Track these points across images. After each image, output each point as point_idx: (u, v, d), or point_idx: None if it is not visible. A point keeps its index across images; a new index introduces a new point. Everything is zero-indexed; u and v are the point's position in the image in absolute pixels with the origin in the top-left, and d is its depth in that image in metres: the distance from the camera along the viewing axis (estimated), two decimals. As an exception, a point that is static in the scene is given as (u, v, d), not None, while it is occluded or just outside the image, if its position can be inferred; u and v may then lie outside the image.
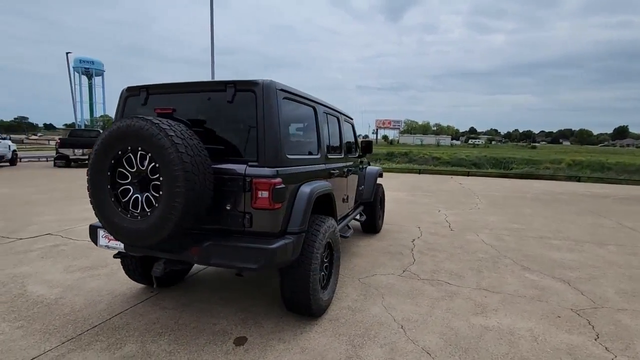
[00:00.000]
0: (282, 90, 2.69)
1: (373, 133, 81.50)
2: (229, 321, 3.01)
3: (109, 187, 2.40)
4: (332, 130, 3.95)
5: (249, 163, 2.51)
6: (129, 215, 2.36)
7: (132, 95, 2.94)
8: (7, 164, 18.53)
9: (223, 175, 2.51)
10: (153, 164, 2.26)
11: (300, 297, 2.82)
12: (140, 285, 3.64)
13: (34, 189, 9.72)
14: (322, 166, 3.39)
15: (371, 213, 5.64)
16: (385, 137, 77.76)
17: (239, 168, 2.50)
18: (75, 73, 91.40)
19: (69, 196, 8.70)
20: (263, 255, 2.41)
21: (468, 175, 17.63)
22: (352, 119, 4.93)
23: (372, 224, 5.74)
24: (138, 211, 2.35)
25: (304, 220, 2.71)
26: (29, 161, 20.65)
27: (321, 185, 3.05)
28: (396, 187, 12.12)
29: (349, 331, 2.87)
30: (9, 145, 18.57)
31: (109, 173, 2.39)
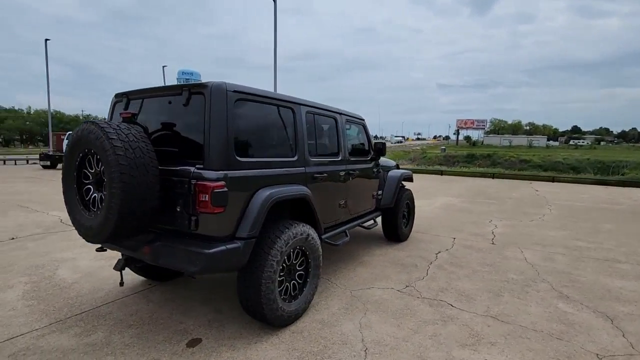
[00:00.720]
0: (236, 92, 2.63)
1: (454, 134, 76.41)
2: (195, 321, 3.05)
3: (75, 186, 2.62)
4: (323, 132, 3.76)
5: (197, 166, 2.51)
6: (86, 213, 2.55)
7: (119, 101, 3.18)
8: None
9: (173, 177, 2.55)
10: (101, 165, 2.40)
11: (252, 304, 2.73)
12: (142, 278, 3.92)
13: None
14: (301, 169, 3.24)
15: (392, 220, 5.25)
16: (467, 138, 72.27)
17: (187, 170, 2.52)
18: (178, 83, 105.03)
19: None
20: (200, 259, 2.39)
21: (553, 181, 15.40)
22: (362, 119, 4.64)
23: (393, 232, 5.34)
24: (95, 209, 2.52)
25: (255, 225, 2.61)
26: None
27: (287, 190, 2.91)
28: (457, 193, 11.17)
29: (306, 347, 2.69)
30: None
31: (75, 174, 2.61)
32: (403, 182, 5.94)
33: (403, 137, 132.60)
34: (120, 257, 2.95)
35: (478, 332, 2.95)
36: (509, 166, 27.67)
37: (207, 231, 2.48)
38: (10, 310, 3.21)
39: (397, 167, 5.99)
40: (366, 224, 4.66)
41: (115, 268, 2.87)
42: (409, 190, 5.70)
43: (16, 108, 70.51)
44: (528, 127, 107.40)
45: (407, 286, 3.85)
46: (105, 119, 3.40)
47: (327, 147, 3.80)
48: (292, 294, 3.05)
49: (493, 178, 16.78)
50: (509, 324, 3.08)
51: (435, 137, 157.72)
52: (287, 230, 2.87)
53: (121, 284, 3.03)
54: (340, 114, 4.05)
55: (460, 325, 3.04)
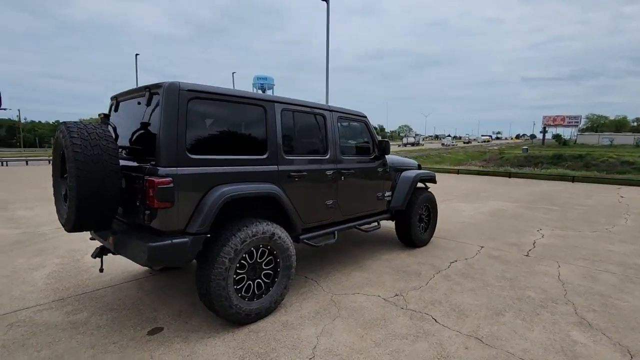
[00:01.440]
0: (190, 91, 2.69)
1: (541, 132, 68.51)
2: (168, 311, 3.20)
3: (59, 181, 2.93)
4: (306, 130, 3.66)
5: (151, 162, 2.63)
6: (65, 204, 2.83)
7: (112, 103, 3.47)
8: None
9: (133, 172, 2.71)
10: (69, 161, 2.64)
11: (204, 299, 2.77)
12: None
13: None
14: (273, 167, 3.19)
15: (405, 224, 4.90)
16: (557, 137, 64.17)
17: (143, 167, 2.65)
18: (254, 88, 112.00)
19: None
20: (145, 251, 2.49)
21: (650, 187, 12.94)
22: (362, 116, 4.39)
23: (406, 236, 4.99)
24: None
25: (204, 222, 2.64)
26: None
27: (244, 187, 2.90)
28: (516, 197, 10.04)
29: (253, 347, 2.64)
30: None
31: (59, 169, 2.92)
32: (426, 184, 5.55)
33: (454, 137, 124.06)
34: (98, 245, 3.22)
35: (449, 354, 2.60)
36: (607, 168, 24.01)
37: (158, 225, 2.58)
38: (31, 287, 3.72)
39: (419, 167, 5.58)
40: (364, 227, 4.42)
41: (92, 255, 3.15)
42: (429, 192, 5.27)
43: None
44: (636, 124, 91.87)
45: (396, 295, 3.57)
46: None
47: (310, 145, 3.69)
48: (257, 292, 3.02)
49: (573, 181, 14.71)
50: (493, 348, 2.66)
51: (517, 136, 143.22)
52: (245, 228, 2.85)
53: (101, 270, 3.31)
54: (331, 110, 3.90)
55: (433, 344, 2.72)
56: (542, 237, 5.85)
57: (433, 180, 5.46)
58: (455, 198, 9.80)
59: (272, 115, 3.23)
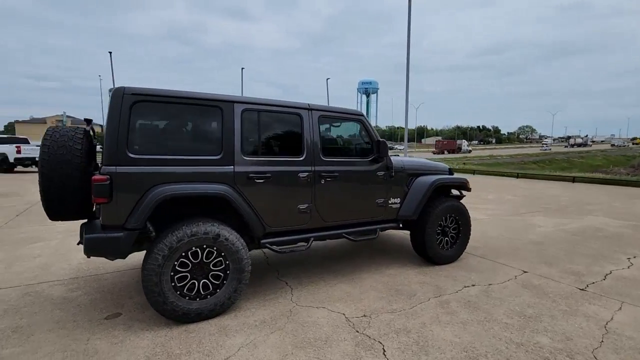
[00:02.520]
0: (135, 94, 2.84)
1: None
2: (138, 300, 3.43)
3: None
4: (274, 130, 3.49)
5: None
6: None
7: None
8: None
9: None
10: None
11: (144, 292, 2.87)
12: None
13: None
14: (228, 168, 3.15)
15: (418, 236, 4.28)
16: None
17: (98, 165, 2.92)
18: (358, 93, 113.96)
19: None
20: (83, 242, 2.74)
21: None
22: (357, 114, 3.95)
23: (421, 251, 4.34)
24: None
25: (139, 219, 2.76)
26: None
27: (185, 187, 2.91)
28: (632, 214, 7.86)
29: (172, 347, 2.63)
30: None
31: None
32: (461, 192, 4.78)
33: (548, 138, 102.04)
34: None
35: (366, 394, 2.15)
36: None
37: (103, 219, 2.80)
38: (67, 265, 4.45)
39: (449, 172, 4.81)
40: (353, 236, 3.98)
41: (78, 243, 3.58)
42: (456, 202, 4.49)
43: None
44: None
45: (364, 315, 3.13)
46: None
47: (279, 146, 3.52)
48: (202, 292, 3.02)
49: None
50: (427, 400, 2.10)
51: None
52: (184, 227, 2.88)
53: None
54: (311, 109, 3.65)
55: (356, 379, 2.29)
56: (628, 267, 4.41)
57: (464, 187, 4.65)
58: (542, 211, 8.15)
59: (230, 116, 3.19)
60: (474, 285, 3.79)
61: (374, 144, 3.97)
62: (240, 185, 3.19)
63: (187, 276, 2.97)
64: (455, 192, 4.87)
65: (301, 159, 3.53)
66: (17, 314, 3.14)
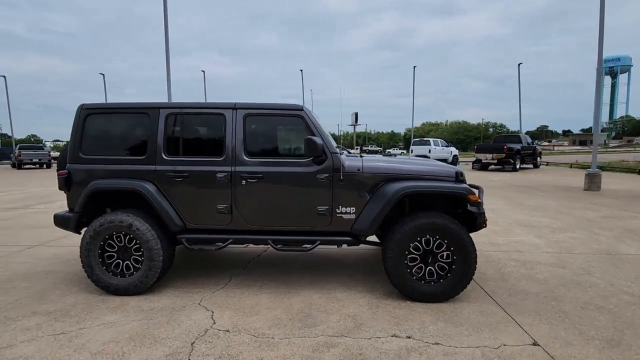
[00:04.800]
0: (87, 109, 3.62)
1: None
2: (87, 295, 3.90)
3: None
4: (196, 131, 3.58)
5: None
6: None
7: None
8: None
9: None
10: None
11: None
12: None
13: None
14: (150, 167, 3.54)
15: (386, 259, 3.34)
16: None
17: None
18: (603, 74, 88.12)
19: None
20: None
21: None
22: (293, 110, 3.39)
23: (392, 279, 3.36)
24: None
25: (79, 205, 3.53)
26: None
27: (110, 182, 3.49)
28: None
29: (63, 322, 3.21)
30: (451, 151, 23.46)
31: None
32: (480, 209, 3.48)
33: None
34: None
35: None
36: None
37: (68, 203, 3.76)
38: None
39: (457, 179, 3.45)
40: (280, 245, 3.48)
41: None
42: (441, 220, 3.22)
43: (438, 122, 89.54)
44: None
45: (227, 330, 2.85)
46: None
47: (199, 147, 3.59)
48: (126, 272, 3.54)
49: None
50: None
51: None
52: (106, 215, 3.49)
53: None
54: (236, 109, 3.51)
55: None
56: None
57: (463, 200, 3.28)
58: None
59: (155, 120, 3.57)
60: (438, 344, 2.70)
61: (308, 143, 3.42)
62: (161, 183, 3.53)
63: (114, 256, 3.57)
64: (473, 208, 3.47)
65: (220, 159, 3.51)
66: None
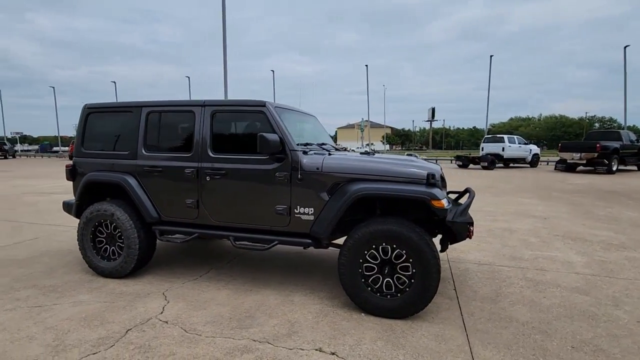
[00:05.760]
0: (89, 108, 4.02)
1: None
2: (82, 275, 4.25)
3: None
4: (169, 128, 3.72)
5: None
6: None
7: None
8: (528, 165, 21.02)
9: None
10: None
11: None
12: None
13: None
14: (132, 162, 3.79)
15: (341, 267, 3.10)
16: None
17: None
18: None
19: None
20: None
21: None
22: (257, 105, 3.26)
23: (346, 289, 3.11)
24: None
25: (77, 194, 3.96)
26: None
27: (100, 175, 3.82)
28: None
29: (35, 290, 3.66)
30: (530, 150, 20.92)
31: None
32: (442, 213, 3.09)
33: None
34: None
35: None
36: None
37: (73, 193, 4.24)
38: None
39: (428, 182, 3.00)
40: (238, 242, 3.40)
41: None
42: (396, 226, 2.86)
43: (530, 116, 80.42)
44: None
45: (167, 322, 2.93)
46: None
47: (172, 143, 3.72)
48: (112, 257, 3.88)
49: None
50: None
51: None
52: (95, 204, 3.85)
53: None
54: (204, 105, 3.54)
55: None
56: None
57: (424, 204, 2.86)
58: None
59: (137, 118, 3.81)
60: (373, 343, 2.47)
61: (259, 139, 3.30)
62: (141, 177, 3.77)
63: (103, 241, 3.93)
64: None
65: (189, 155, 3.61)
66: None
